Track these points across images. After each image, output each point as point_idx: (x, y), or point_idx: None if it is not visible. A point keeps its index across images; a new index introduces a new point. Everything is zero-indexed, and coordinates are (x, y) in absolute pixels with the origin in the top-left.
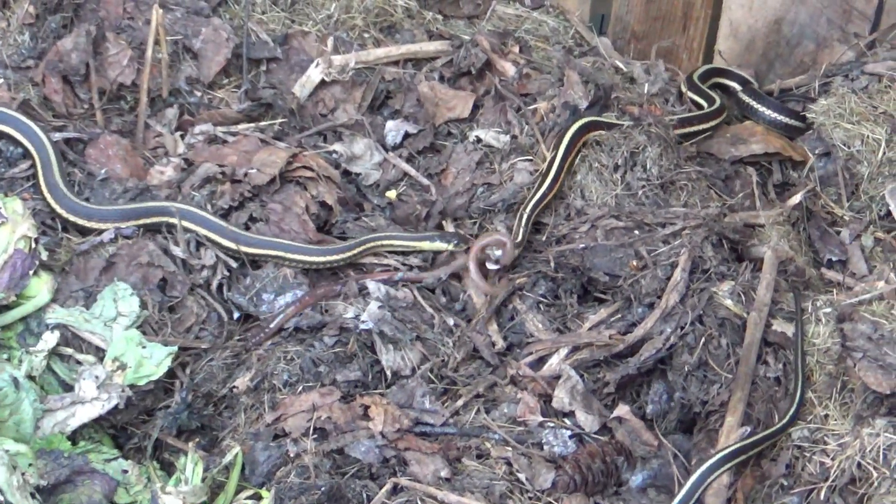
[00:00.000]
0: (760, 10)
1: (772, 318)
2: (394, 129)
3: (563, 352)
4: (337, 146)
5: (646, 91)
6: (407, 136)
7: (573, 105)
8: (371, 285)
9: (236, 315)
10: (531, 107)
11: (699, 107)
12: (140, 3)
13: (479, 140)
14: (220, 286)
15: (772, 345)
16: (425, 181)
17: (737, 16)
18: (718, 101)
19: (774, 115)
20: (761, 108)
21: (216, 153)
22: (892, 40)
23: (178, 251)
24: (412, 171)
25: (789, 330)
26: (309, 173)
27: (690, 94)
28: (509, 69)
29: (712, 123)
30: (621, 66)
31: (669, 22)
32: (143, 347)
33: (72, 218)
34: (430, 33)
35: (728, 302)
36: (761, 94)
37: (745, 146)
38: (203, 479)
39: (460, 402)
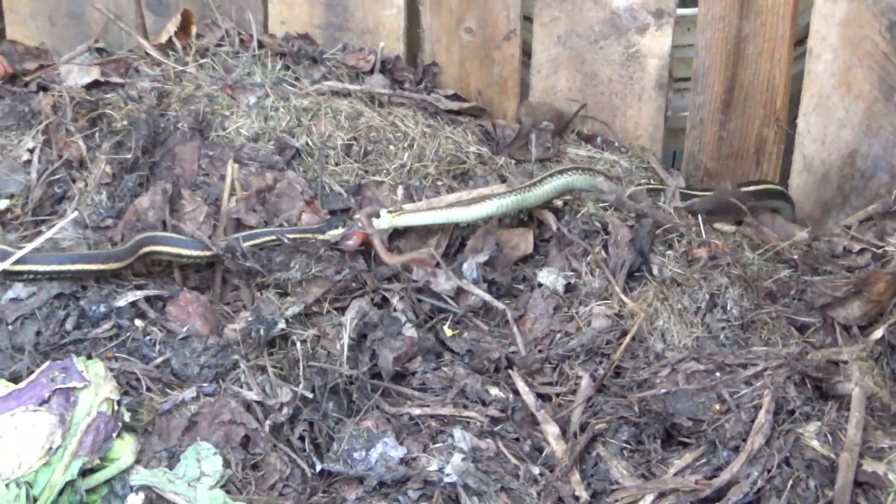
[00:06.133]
0: (834, 144)
1: (860, 457)
2: (470, 267)
3: (649, 498)
4: None
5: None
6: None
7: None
8: (456, 434)
9: (318, 468)
10: (596, 250)
11: None
12: (215, 158)
13: (540, 285)
14: (301, 437)
15: (862, 485)
16: (501, 305)
17: (810, 150)
18: None
19: None
20: None
21: None
22: None
23: (251, 395)
24: (487, 297)
25: (880, 469)
26: None
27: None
28: None
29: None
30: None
31: (742, 158)
32: None
33: None
34: (502, 178)
35: (815, 443)
36: None
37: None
38: None
39: None
